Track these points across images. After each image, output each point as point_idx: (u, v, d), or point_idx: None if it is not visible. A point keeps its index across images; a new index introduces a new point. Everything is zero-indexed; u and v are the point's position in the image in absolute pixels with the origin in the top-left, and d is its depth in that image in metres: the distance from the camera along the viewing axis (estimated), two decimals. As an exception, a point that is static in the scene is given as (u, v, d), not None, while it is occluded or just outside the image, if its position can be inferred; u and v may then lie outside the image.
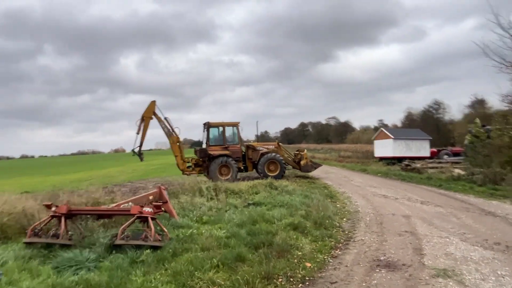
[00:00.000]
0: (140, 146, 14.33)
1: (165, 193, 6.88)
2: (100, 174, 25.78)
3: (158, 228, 5.45)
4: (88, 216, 5.85)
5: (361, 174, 20.04)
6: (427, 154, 26.53)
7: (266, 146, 16.67)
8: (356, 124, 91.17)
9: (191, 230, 5.88)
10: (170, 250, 4.94)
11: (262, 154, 16.01)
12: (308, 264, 4.80)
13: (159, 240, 5.13)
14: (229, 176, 15.17)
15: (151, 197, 6.56)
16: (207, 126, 15.85)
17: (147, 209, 5.36)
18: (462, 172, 13.51)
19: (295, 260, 4.87)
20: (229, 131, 16.16)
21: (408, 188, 12.58)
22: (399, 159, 25.54)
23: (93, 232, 5.65)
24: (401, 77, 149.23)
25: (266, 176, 14.90)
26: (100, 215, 5.70)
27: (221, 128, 16.07)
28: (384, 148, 27.78)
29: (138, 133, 14.15)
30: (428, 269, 4.45)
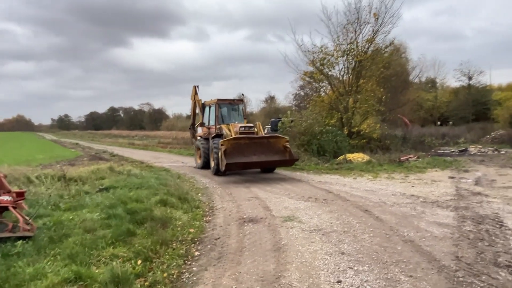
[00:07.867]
0: (192, 125, 17.17)
1: (5, 181, 5.77)
2: None
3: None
4: None
5: (191, 157, 21.50)
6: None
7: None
8: (170, 112, 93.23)
9: (56, 217, 5.37)
10: (46, 239, 4.53)
11: None
12: (192, 230, 5.57)
13: (28, 229, 4.54)
14: None
15: (-12, 187, 5.38)
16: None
17: (5, 198, 4.59)
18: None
19: (179, 228, 5.53)
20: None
21: (237, 167, 14.95)
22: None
23: None
24: (197, 71, 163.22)
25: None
26: None
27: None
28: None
29: (190, 114, 18.16)
30: (278, 218, 6.14)
